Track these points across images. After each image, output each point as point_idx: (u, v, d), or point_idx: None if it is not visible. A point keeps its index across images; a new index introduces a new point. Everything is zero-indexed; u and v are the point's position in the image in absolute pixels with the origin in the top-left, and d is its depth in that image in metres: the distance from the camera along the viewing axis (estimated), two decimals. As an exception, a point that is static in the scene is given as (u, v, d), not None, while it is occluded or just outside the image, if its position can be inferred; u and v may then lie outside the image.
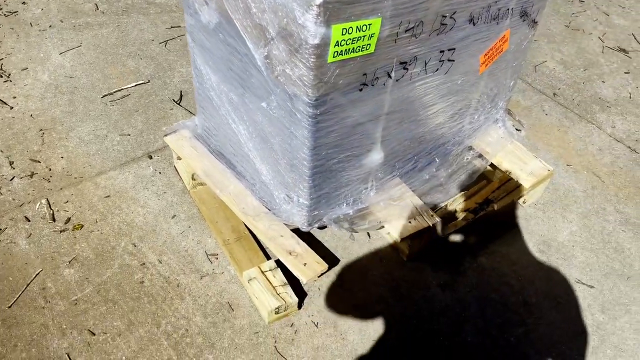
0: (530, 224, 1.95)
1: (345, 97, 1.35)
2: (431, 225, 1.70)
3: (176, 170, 1.96)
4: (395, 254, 1.81)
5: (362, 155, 1.57)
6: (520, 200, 1.99)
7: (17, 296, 1.57)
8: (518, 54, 1.87)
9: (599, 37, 2.98)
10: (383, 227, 1.71)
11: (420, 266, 1.78)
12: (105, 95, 2.24)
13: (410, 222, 1.70)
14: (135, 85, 2.31)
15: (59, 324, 1.52)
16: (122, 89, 2.28)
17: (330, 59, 1.22)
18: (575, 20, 3.11)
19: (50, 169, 1.93)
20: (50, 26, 2.56)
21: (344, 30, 1.20)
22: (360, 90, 1.37)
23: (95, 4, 2.73)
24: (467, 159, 1.94)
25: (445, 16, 1.42)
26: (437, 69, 1.55)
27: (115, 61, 2.42)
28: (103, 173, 1.94)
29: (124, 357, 1.46)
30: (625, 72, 2.74)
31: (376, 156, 1.61)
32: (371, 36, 1.26)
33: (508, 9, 1.62)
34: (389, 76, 1.41)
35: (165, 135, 1.87)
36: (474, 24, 1.54)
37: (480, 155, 1.96)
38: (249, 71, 1.43)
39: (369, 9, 1.21)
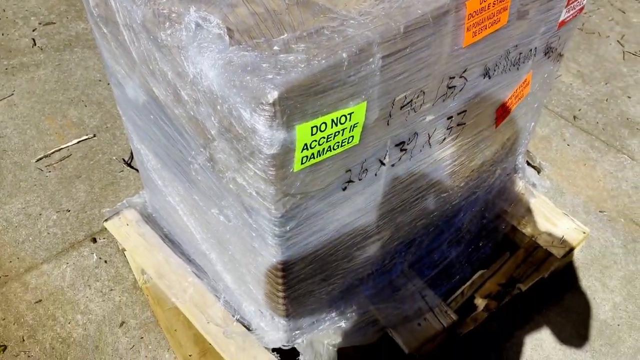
0: (564, 299, 1.59)
1: (324, 201, 0.98)
2: (445, 326, 1.34)
3: (126, 256, 1.60)
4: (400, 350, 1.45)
5: (353, 255, 1.20)
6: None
7: None
8: (541, 94, 1.50)
9: (618, 41, 2.60)
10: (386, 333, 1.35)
11: (433, 372, 1.42)
12: (41, 159, 1.86)
13: (419, 324, 1.34)
14: (78, 142, 1.92)
15: None
16: (61, 148, 1.90)
17: (297, 167, 0.85)
18: (588, 21, 2.72)
19: (-32, 267, 1.56)
20: (-22, 71, 2.17)
21: (314, 129, 0.82)
22: (344, 189, 1.00)
23: (33, 39, 2.32)
24: (483, 223, 1.58)
25: (454, 77, 1.04)
26: (444, 138, 1.18)
27: (54, 111, 2.03)
28: (34, 268, 1.57)
29: None
30: (653, 83, 2.37)
31: (372, 250, 1.24)
32: (354, 126, 0.88)
33: (531, 50, 1.25)
34: (382, 163, 1.04)
35: (106, 220, 1.49)
36: (489, 77, 1.16)
37: (499, 217, 1.60)
38: (194, 169, 1.05)
39: (348, 94, 0.83)
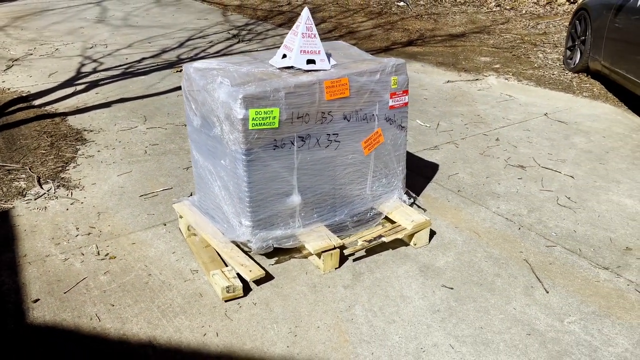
0: (407, 257, 2.79)
1: (265, 152, 2.42)
2: (336, 245, 2.59)
3: (180, 230, 2.98)
4: (316, 270, 2.67)
5: (285, 195, 2.57)
6: (412, 243, 2.86)
7: (70, 288, 2.52)
8: (397, 147, 2.94)
9: (505, 160, 4.03)
10: (303, 245, 2.62)
11: (332, 276, 2.62)
12: (142, 196, 3.40)
13: (321, 242, 2.60)
14: (163, 190, 3.47)
15: (92, 301, 2.43)
16: (153, 192, 3.44)
17: (250, 127, 2.33)
18: (488, 150, 4.20)
19: (100, 231, 3.00)
20: (114, 162, 3.87)
21: (256, 112, 2.33)
22: (274, 149, 2.44)
23: (145, 149, 4.06)
24: (370, 215, 2.89)
25: (324, 112, 2.55)
26: (328, 145, 2.62)
27: (152, 178, 3.62)
28: (133, 233, 2.98)
29: (129, 316, 2.33)
30: (519, 178, 3.72)
31: (296, 198, 2.60)
32: (274, 117, 2.38)
33: (373, 114, 2.74)
34: (292, 144, 2.49)
35: (174, 203, 2.94)
36: (348, 120, 2.65)
37: (379, 214, 2.91)
38: (215, 146, 2.55)
39: (271, 103, 2.36)
